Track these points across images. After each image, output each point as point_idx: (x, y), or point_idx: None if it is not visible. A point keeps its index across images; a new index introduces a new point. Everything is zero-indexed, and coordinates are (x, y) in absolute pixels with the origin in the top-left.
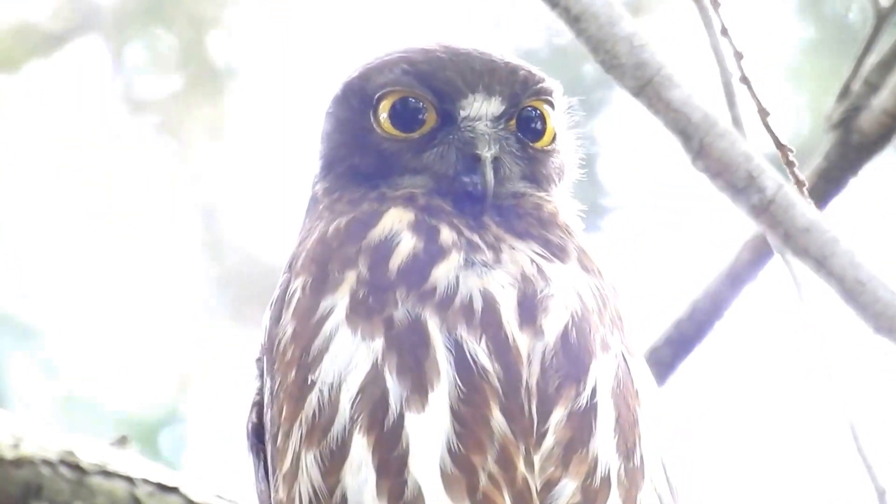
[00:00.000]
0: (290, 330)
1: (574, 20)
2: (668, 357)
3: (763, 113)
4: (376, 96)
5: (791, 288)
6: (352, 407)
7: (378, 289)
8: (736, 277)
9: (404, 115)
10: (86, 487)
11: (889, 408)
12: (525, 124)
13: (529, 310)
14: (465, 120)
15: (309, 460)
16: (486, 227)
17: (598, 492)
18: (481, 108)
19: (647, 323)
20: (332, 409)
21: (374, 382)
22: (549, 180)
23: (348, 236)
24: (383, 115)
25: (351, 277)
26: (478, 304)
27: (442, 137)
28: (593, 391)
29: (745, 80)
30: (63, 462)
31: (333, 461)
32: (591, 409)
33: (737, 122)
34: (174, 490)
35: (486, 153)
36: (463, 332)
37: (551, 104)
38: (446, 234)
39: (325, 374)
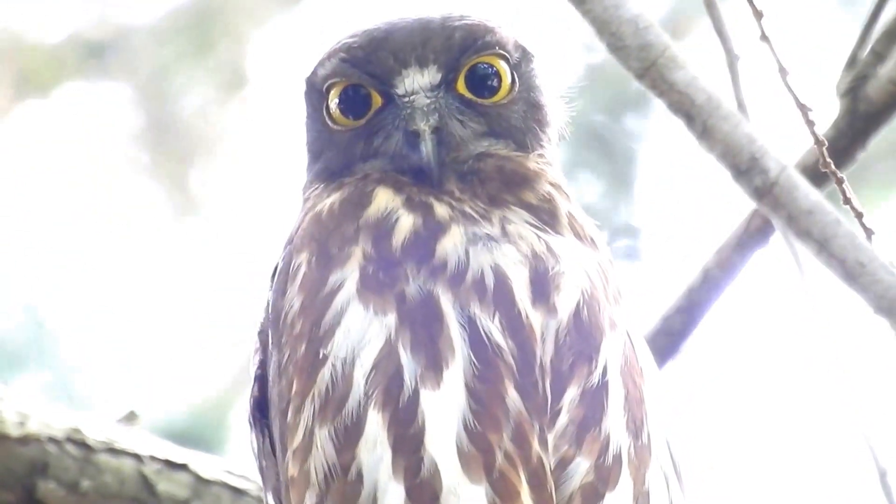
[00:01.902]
0: (297, 303)
1: (579, 1)
2: (679, 325)
3: (783, 72)
4: (324, 89)
5: (794, 268)
6: (366, 383)
7: (386, 264)
8: (745, 245)
9: (351, 103)
10: (93, 465)
11: (891, 388)
12: (478, 82)
13: (542, 287)
14: (403, 97)
15: (322, 436)
16: (460, 198)
17: (610, 470)
18: (414, 83)
19: (658, 292)
20: (345, 384)
21: (388, 358)
22: (521, 132)
23: (343, 216)
24: (333, 105)
25: (357, 253)
26: (489, 281)
27: (386, 118)
28: (604, 370)
29: (765, 38)
30: (69, 439)
31: (348, 437)
32: (603, 387)
33: (740, 104)
34: (183, 467)
35: (424, 126)
36: (476, 309)
37: (503, 56)
38: (440, 209)
39: (337, 348)
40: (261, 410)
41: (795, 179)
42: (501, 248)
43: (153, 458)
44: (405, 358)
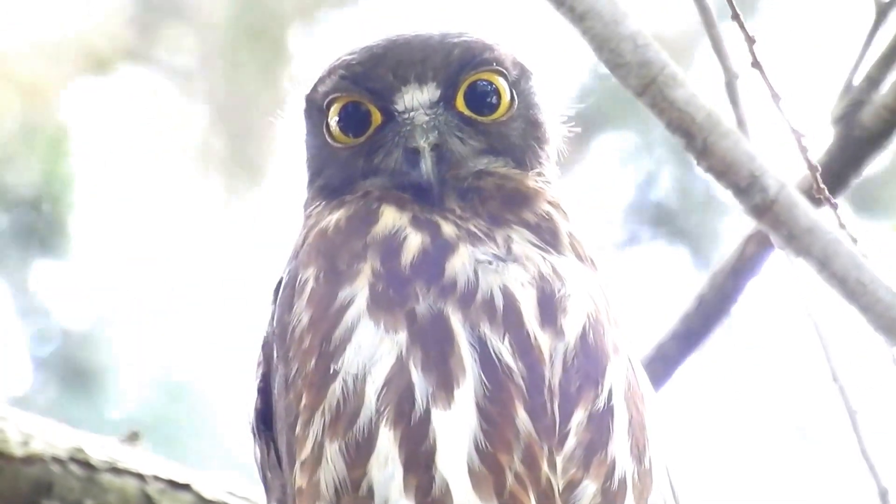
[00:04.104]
0: (305, 318)
1: (579, 19)
2: (674, 352)
3: (775, 97)
4: (324, 106)
5: (794, 287)
6: (378, 399)
7: (396, 282)
8: (740, 271)
9: (351, 120)
10: (96, 485)
11: (891, 408)
12: (477, 99)
13: (549, 310)
14: (403, 114)
15: (333, 450)
16: (462, 216)
17: (616, 494)
18: (414, 100)
19: (653, 319)
20: (357, 399)
21: (399, 376)
22: (520, 149)
23: (350, 232)
24: (333, 122)
25: (366, 270)
26: (499, 302)
27: (386, 135)
28: (609, 394)
29: (756, 64)
30: (73, 459)
31: (359, 453)
32: (608, 411)
33: (740, 121)
34: (186, 487)
35: (424, 143)
36: (486, 330)
37: (502, 73)
38: (447, 227)
39: (348, 364)
40: (264, 422)
41: (795, 197)
42: (509, 269)
43: (156, 478)
44: (416, 376)
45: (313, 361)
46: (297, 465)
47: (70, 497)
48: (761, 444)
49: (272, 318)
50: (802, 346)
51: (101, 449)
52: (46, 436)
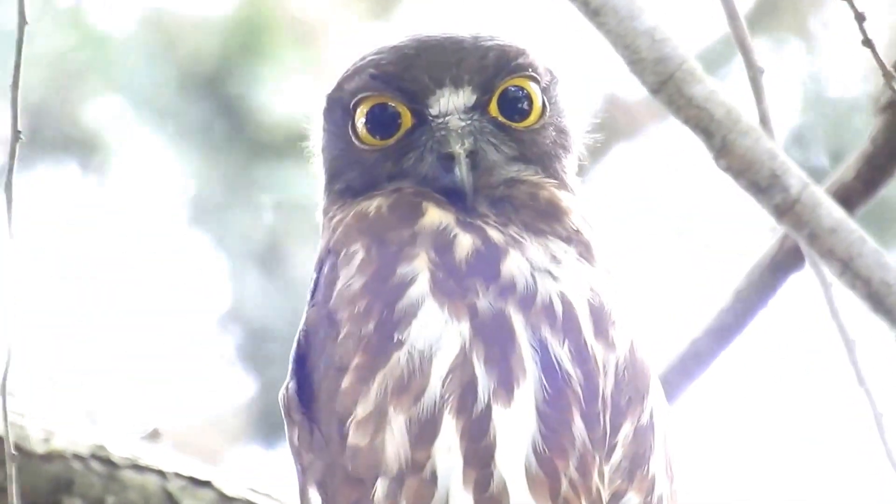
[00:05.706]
0: (357, 283)
1: (593, 13)
2: (708, 347)
3: (889, 76)
4: (351, 105)
5: (820, 289)
6: (442, 385)
7: (454, 274)
8: (778, 265)
9: (379, 121)
10: (117, 482)
11: None
12: (509, 105)
13: (601, 321)
14: (437, 117)
15: (398, 422)
16: (497, 222)
17: None
18: (449, 103)
19: (687, 315)
20: (422, 378)
21: (462, 367)
22: (549, 158)
23: (396, 219)
24: (360, 123)
25: (422, 255)
26: (558, 308)
27: (418, 139)
28: (652, 410)
29: (867, 42)
30: (94, 456)
31: (423, 434)
32: (650, 427)
33: (764, 119)
34: (207, 484)
35: (459, 149)
36: (547, 334)
37: (535, 79)
38: (493, 232)
39: (414, 338)
40: (304, 405)
41: (818, 196)
42: (563, 277)
43: (177, 475)
44: (479, 370)
45: (371, 325)
46: (352, 422)
47: (91, 494)
48: (784, 446)
49: (316, 303)
50: (827, 348)
51: (123, 446)
52: (68, 433)
